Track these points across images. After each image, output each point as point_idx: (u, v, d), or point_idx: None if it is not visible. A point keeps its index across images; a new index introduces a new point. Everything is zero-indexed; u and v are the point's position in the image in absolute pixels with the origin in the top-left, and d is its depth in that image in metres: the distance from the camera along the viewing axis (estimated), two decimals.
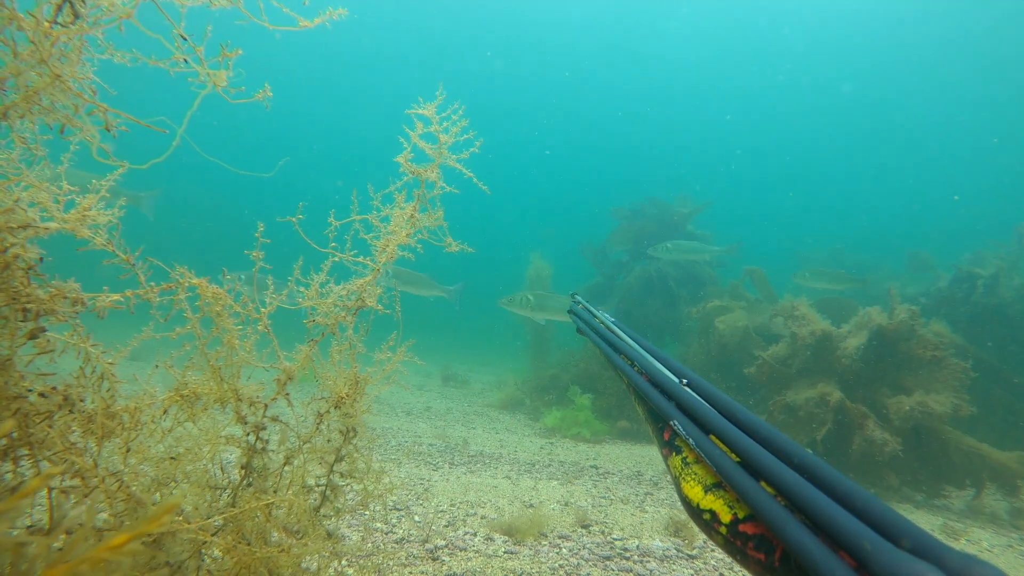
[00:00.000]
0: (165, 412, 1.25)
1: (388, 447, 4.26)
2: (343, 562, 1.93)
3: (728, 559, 2.60)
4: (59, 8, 1.02)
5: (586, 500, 3.34)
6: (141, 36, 1.09)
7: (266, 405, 1.36)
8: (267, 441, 1.36)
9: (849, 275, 7.33)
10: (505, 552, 2.40)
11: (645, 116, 44.00)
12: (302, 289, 1.43)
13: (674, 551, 2.61)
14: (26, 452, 1.06)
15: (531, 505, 3.12)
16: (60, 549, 0.40)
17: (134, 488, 1.16)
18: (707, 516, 0.79)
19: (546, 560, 2.36)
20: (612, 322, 1.46)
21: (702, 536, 2.77)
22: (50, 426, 1.08)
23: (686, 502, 0.84)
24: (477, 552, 2.37)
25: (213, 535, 1.21)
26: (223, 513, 1.22)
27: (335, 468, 1.46)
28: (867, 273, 9.41)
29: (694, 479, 0.85)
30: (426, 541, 2.41)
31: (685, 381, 0.99)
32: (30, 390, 1.07)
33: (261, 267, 1.34)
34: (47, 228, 1.08)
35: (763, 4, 30.76)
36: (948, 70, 30.36)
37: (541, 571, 2.25)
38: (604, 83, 40.01)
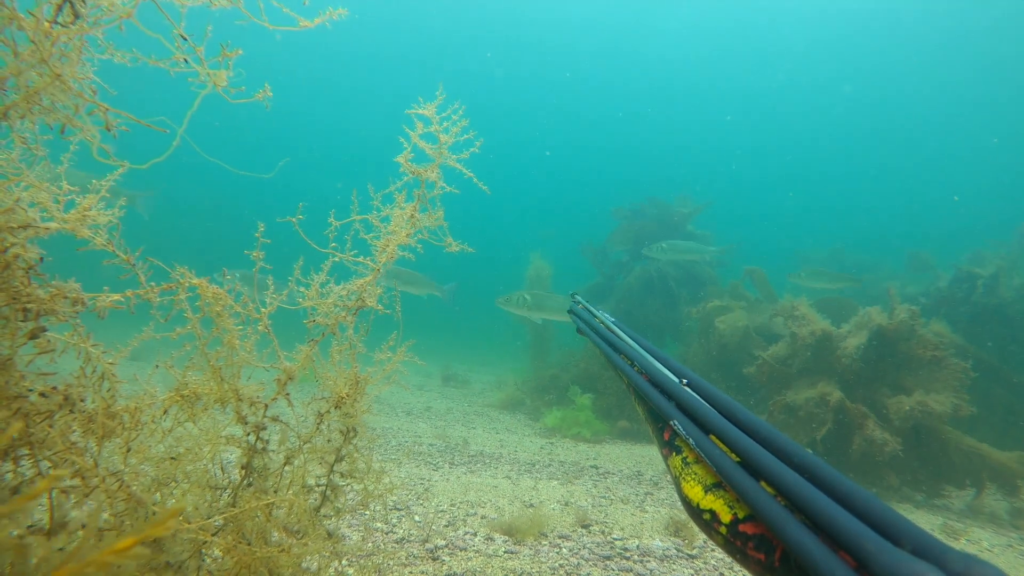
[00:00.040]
0: (165, 412, 1.25)
1: (388, 447, 4.26)
2: (343, 562, 1.93)
3: (728, 559, 2.60)
4: (59, 8, 1.02)
5: (586, 500, 3.34)
6: (141, 36, 1.09)
7: (266, 405, 1.36)
8: (267, 441, 1.36)
9: (843, 274, 7.37)
10: (505, 552, 2.40)
11: (645, 116, 44.02)
12: (302, 289, 1.43)
13: (674, 551, 2.61)
14: (27, 452, 1.06)
15: (531, 505, 3.12)
16: (60, 549, 0.40)
17: (134, 488, 1.16)
18: (707, 516, 0.79)
19: (546, 560, 2.36)
20: (612, 322, 1.46)
21: (702, 536, 2.78)
22: (51, 426, 1.08)
23: (686, 502, 0.85)
24: (477, 552, 2.37)
25: (213, 535, 1.21)
26: (223, 513, 1.22)
27: (335, 468, 1.46)
28: (867, 273, 9.42)
29: (694, 479, 0.85)
30: (426, 541, 2.41)
31: (685, 381, 0.99)
32: (31, 390, 1.07)
33: (261, 267, 1.34)
34: (47, 228, 1.08)
35: (763, 4, 30.76)
36: (948, 70, 30.37)
37: (541, 571, 2.25)
38: (604, 83, 40.02)
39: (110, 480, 1.12)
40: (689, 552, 2.61)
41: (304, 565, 1.42)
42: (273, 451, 1.38)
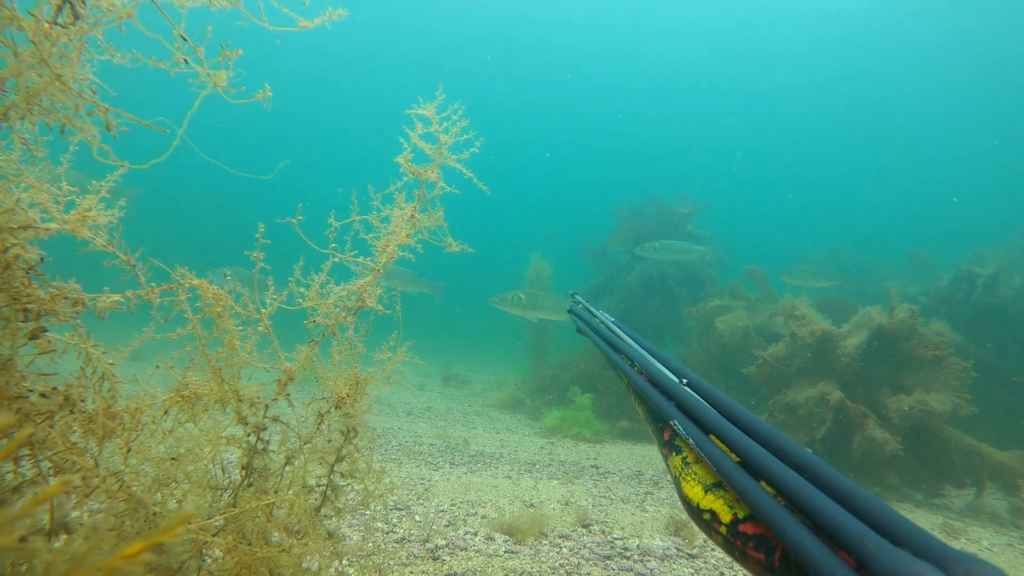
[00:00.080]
0: (166, 413, 1.26)
1: (389, 447, 4.26)
2: (344, 562, 1.93)
3: (728, 559, 2.60)
4: (59, 9, 1.02)
5: (586, 499, 3.34)
6: (141, 37, 1.09)
7: (267, 406, 1.36)
8: (268, 442, 1.36)
9: (832, 272, 7.43)
10: (506, 551, 2.40)
11: (645, 116, 44.02)
12: (302, 290, 1.43)
13: (674, 550, 2.61)
14: (27, 452, 1.06)
15: (532, 505, 3.12)
16: (66, 554, 0.40)
17: (135, 488, 1.16)
18: (707, 516, 0.79)
19: (547, 559, 2.36)
20: (612, 322, 1.46)
21: (702, 535, 2.78)
22: (51, 426, 1.08)
23: (686, 502, 0.85)
24: (478, 551, 2.37)
25: (214, 535, 1.21)
26: (224, 513, 1.22)
27: (336, 468, 1.46)
28: (867, 273, 9.43)
29: (694, 479, 0.85)
30: (427, 541, 2.41)
31: (685, 381, 0.99)
32: (31, 390, 1.07)
33: (261, 268, 1.34)
34: (48, 229, 1.08)
35: (763, 4, 30.76)
36: (948, 70, 30.36)
37: (542, 570, 2.25)
38: (604, 83, 40.02)
39: (110, 480, 1.12)
40: (689, 552, 2.62)
41: (305, 565, 1.42)
42: (274, 451, 1.39)
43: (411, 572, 2.09)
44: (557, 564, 2.33)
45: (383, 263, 1.49)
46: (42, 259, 1.07)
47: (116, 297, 1.17)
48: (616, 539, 2.70)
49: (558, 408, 5.90)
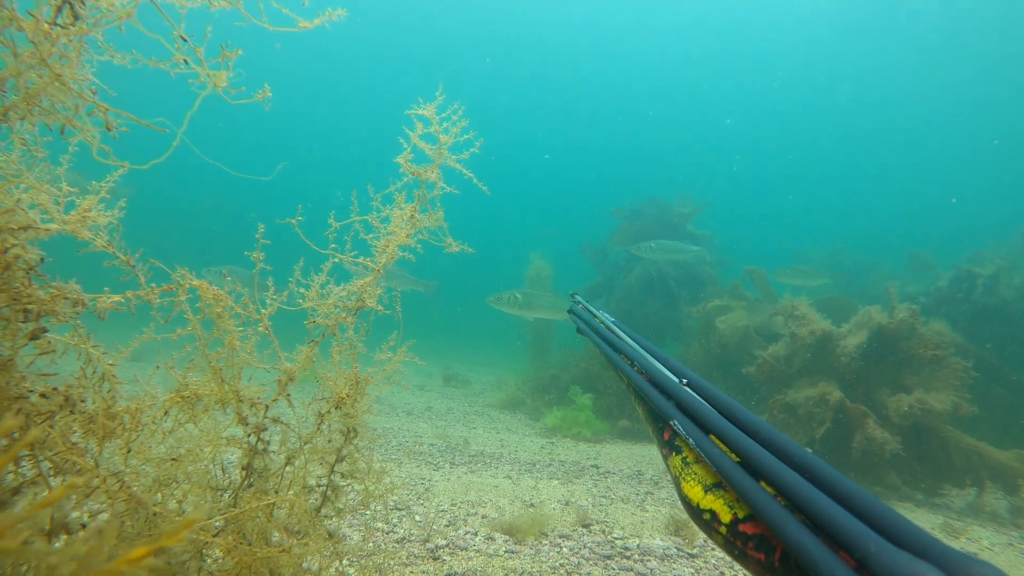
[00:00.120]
0: (166, 413, 1.26)
1: (389, 447, 4.26)
2: (344, 562, 1.93)
3: (728, 558, 2.60)
4: (59, 9, 1.02)
5: (587, 499, 3.34)
6: (141, 37, 1.09)
7: (267, 406, 1.36)
8: (268, 442, 1.36)
9: (823, 271, 7.51)
10: (506, 551, 2.40)
11: (645, 116, 44.02)
12: (302, 290, 1.43)
13: (675, 550, 2.61)
14: (27, 452, 1.06)
15: (532, 504, 3.12)
16: (63, 551, 0.40)
17: (135, 488, 1.16)
18: (707, 516, 0.79)
19: (547, 559, 2.36)
20: (612, 322, 1.46)
21: (703, 535, 2.78)
22: (51, 426, 1.08)
23: (686, 502, 0.85)
24: (478, 551, 2.37)
25: (214, 536, 1.21)
26: (224, 514, 1.22)
27: (336, 468, 1.46)
28: (867, 273, 9.44)
29: (694, 479, 0.85)
30: (427, 540, 2.41)
31: (685, 381, 0.99)
32: (31, 391, 1.07)
33: (261, 268, 1.34)
34: (48, 229, 1.08)
35: (763, 4, 30.77)
36: (948, 70, 30.36)
37: (542, 570, 2.25)
38: (604, 83, 40.04)
39: (111, 481, 1.12)
40: (689, 551, 2.62)
41: (305, 565, 1.42)
42: (274, 452, 1.39)
43: (411, 572, 2.10)
44: (557, 564, 2.33)
45: (383, 263, 1.49)
46: (42, 260, 1.07)
47: (116, 298, 1.17)
48: (616, 539, 2.70)
49: (558, 408, 5.90)
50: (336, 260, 1.46)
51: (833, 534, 0.57)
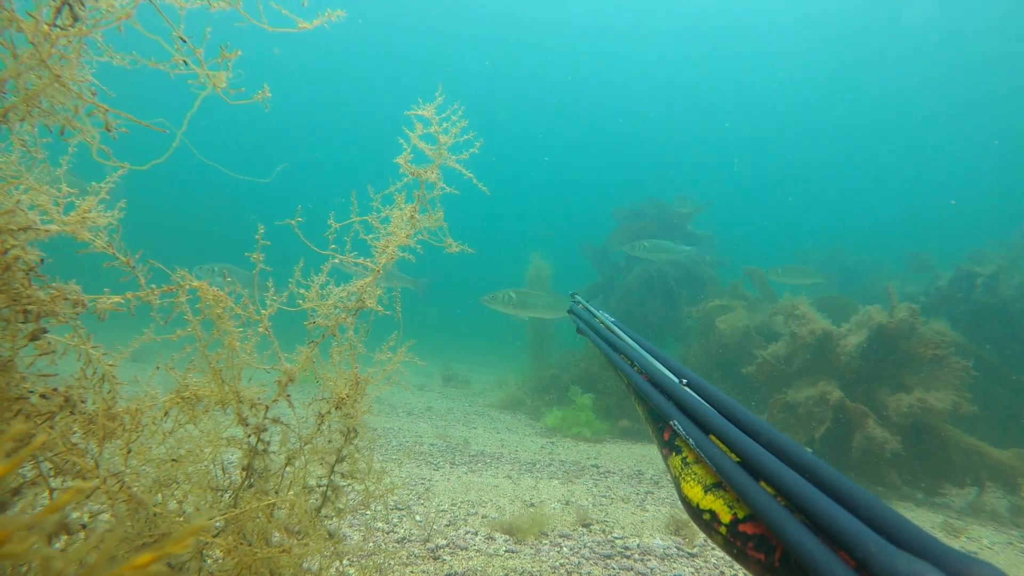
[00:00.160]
0: (166, 414, 1.26)
1: (389, 447, 4.26)
2: (344, 562, 1.93)
3: (728, 558, 2.59)
4: (58, 10, 1.02)
5: (587, 499, 3.34)
6: (141, 38, 1.09)
7: (267, 407, 1.36)
8: (268, 442, 1.36)
9: (815, 271, 7.58)
10: (506, 551, 2.40)
11: (645, 116, 44.04)
12: (302, 291, 1.44)
13: (675, 549, 2.62)
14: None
15: (532, 504, 3.12)
16: (68, 555, 0.40)
17: (135, 489, 1.16)
18: (707, 516, 0.79)
19: (547, 559, 2.36)
20: (612, 322, 1.46)
21: (703, 535, 2.77)
22: (51, 427, 1.08)
23: (686, 502, 0.85)
24: (478, 551, 2.37)
25: (215, 536, 1.21)
26: (225, 514, 1.22)
27: (336, 469, 1.46)
28: (867, 273, 9.45)
29: (694, 479, 0.85)
30: (427, 540, 2.41)
31: (685, 381, 0.99)
32: (32, 391, 1.07)
33: (261, 269, 1.34)
34: (48, 230, 1.08)
35: (762, 4, 30.78)
36: (948, 70, 30.36)
37: (542, 570, 2.25)
38: (603, 83, 40.05)
39: (111, 481, 1.12)
40: (690, 551, 2.62)
41: (305, 565, 1.42)
42: (274, 452, 1.39)
43: (412, 572, 2.10)
44: (557, 563, 2.33)
45: (383, 264, 1.49)
46: (42, 260, 1.07)
47: (116, 298, 1.17)
48: (616, 538, 2.70)
49: (558, 408, 5.90)
50: (336, 261, 1.46)
51: (833, 534, 0.57)
